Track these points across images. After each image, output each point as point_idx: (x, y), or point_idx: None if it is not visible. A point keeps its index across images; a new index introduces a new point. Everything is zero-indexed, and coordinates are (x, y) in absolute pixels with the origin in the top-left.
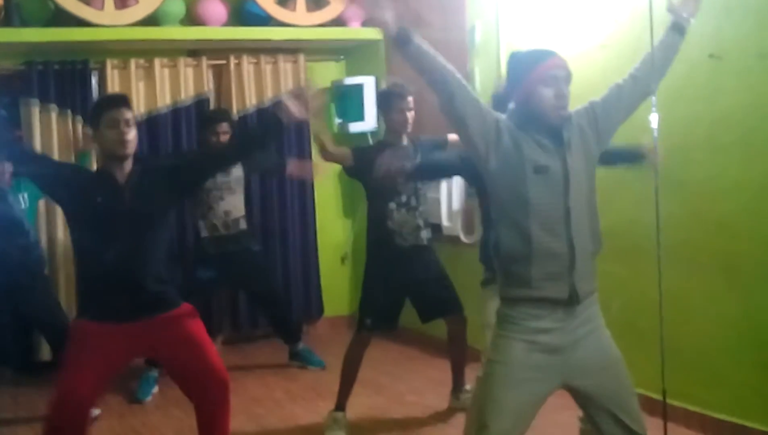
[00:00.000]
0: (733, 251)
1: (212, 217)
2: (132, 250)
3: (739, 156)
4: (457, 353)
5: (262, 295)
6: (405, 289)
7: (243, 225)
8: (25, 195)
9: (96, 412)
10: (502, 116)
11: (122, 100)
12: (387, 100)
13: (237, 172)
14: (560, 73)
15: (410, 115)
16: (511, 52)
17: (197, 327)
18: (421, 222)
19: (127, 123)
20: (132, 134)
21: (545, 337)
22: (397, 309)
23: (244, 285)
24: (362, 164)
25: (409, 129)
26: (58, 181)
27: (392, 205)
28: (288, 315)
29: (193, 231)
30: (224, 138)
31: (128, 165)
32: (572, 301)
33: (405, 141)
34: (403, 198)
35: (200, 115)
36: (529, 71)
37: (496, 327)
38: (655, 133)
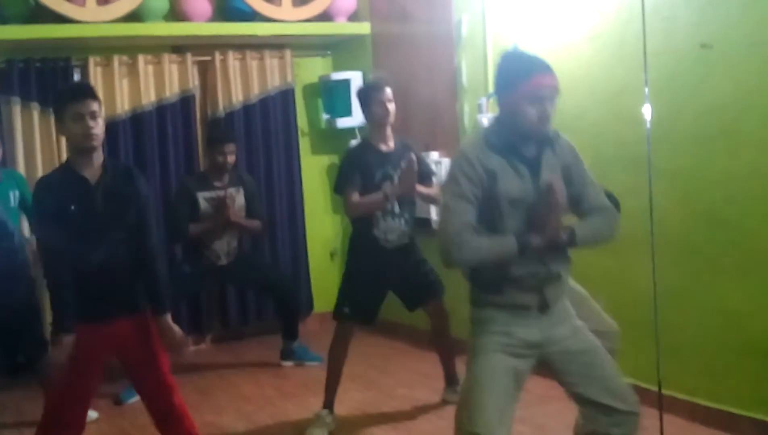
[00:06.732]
0: (720, 241)
1: (216, 247)
2: (107, 252)
3: (725, 146)
4: (443, 346)
5: (267, 285)
6: (387, 283)
7: (239, 246)
8: (16, 192)
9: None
10: (475, 144)
11: (86, 91)
12: (365, 95)
13: (240, 200)
14: (546, 92)
15: (391, 106)
16: (503, 52)
17: (155, 333)
18: (406, 227)
19: (92, 115)
20: (98, 127)
21: (521, 330)
22: (377, 302)
23: (245, 284)
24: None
25: (392, 120)
26: (50, 219)
27: (378, 214)
28: (296, 304)
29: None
30: (230, 158)
31: (98, 159)
32: (542, 308)
33: (390, 138)
34: (389, 205)
35: (187, 112)
36: (515, 86)
37: (471, 332)
38: (648, 125)
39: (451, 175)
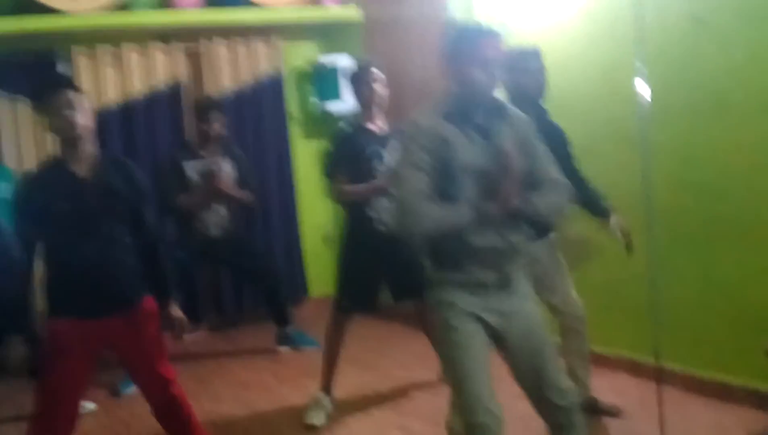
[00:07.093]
0: (712, 213)
1: (205, 216)
2: (101, 246)
3: (717, 119)
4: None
5: (256, 272)
6: (382, 270)
7: (231, 221)
8: (6, 186)
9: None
10: (427, 114)
11: (60, 82)
12: (355, 78)
13: (228, 170)
14: (491, 54)
15: (378, 87)
16: (449, 26)
17: (156, 328)
18: None
19: (69, 104)
20: (80, 116)
21: (484, 314)
22: (375, 290)
23: (235, 265)
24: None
25: (379, 101)
26: (35, 216)
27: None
28: (283, 291)
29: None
30: (217, 127)
31: (88, 152)
32: (503, 284)
33: (380, 119)
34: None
35: (176, 101)
36: (461, 52)
37: (437, 314)
38: (648, 99)
39: (404, 145)
